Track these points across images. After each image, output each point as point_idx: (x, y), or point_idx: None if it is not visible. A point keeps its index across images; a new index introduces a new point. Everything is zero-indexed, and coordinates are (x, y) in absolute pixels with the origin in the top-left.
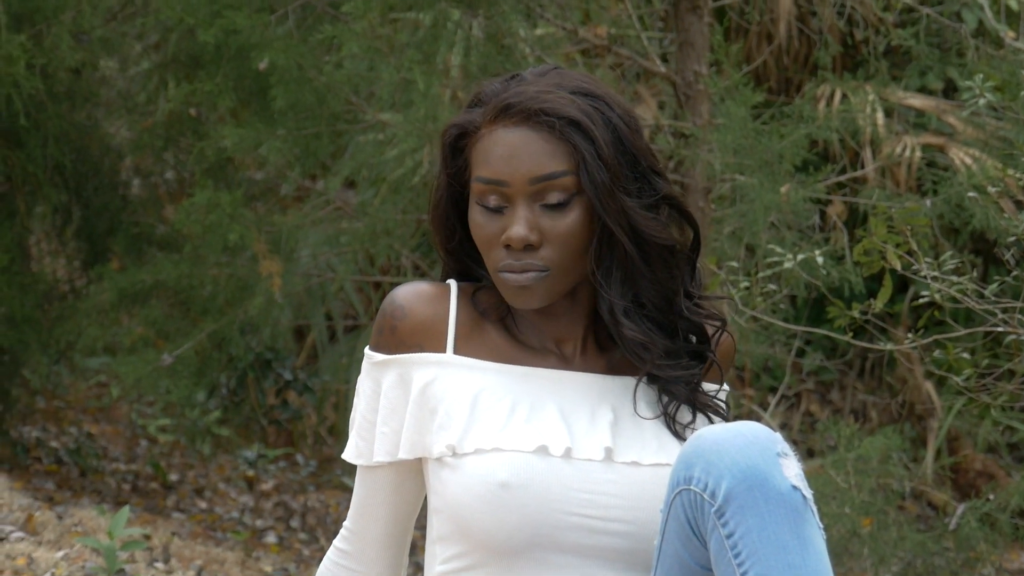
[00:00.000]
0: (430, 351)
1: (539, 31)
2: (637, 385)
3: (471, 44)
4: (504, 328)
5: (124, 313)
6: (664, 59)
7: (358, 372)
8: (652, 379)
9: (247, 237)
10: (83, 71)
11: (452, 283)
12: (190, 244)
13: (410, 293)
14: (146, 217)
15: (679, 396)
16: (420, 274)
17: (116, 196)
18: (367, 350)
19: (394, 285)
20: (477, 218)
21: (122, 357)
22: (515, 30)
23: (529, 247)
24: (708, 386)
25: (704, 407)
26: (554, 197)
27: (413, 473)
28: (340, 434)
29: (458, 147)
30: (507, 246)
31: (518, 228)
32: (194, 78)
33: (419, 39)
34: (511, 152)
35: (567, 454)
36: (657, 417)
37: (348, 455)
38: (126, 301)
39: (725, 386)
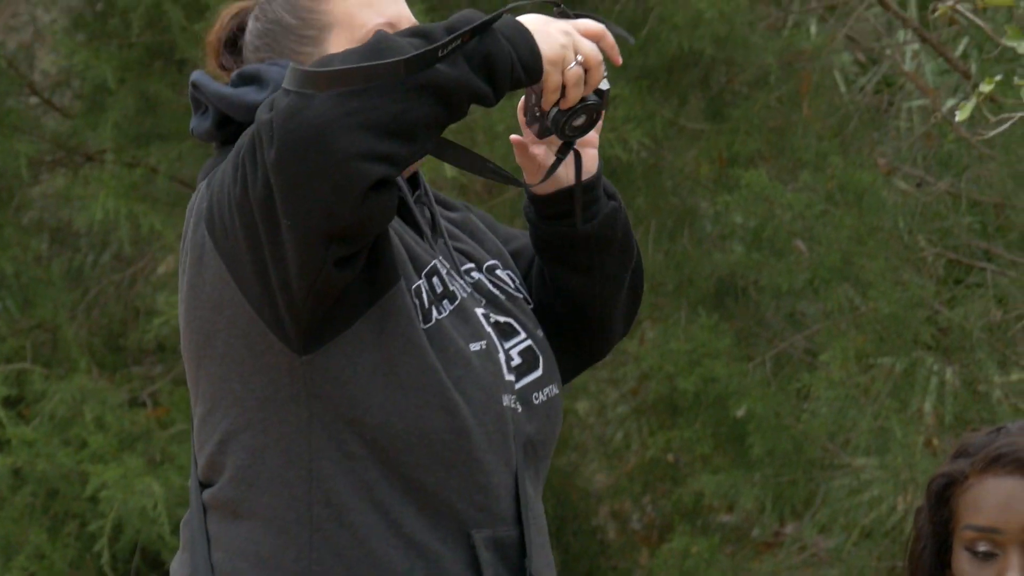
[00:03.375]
0: None
1: (1014, 377)
2: None
3: (945, 391)
4: None
5: None
6: None
7: None
8: None
9: None
10: (564, 417)
11: None
12: None
13: None
14: (623, 561)
15: None
16: None
17: (594, 540)
18: None
19: None
20: (965, 566)
21: None
22: (990, 377)
23: None
24: None
25: None
26: None
27: None
28: None
29: (944, 496)
30: None
31: None
32: (671, 424)
33: (893, 386)
34: (1005, 501)
35: None
36: None
37: None
38: None
39: None
